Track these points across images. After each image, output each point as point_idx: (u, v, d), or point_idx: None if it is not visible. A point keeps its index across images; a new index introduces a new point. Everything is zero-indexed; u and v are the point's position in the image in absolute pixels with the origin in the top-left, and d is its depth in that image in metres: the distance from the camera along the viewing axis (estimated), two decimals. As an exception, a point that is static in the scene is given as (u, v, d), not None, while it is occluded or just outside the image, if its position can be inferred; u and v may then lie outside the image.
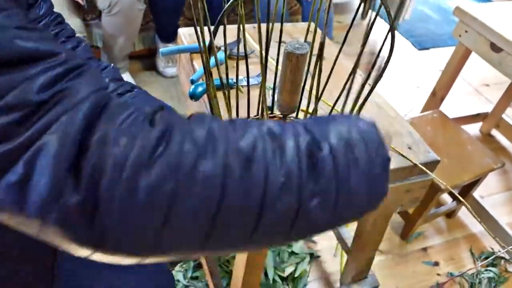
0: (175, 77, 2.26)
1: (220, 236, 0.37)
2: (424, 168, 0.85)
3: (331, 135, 0.42)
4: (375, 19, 0.52)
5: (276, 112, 0.84)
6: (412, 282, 1.51)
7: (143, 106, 0.70)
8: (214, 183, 0.35)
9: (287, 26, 1.22)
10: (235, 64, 1.01)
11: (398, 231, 1.66)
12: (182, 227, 0.35)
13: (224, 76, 0.80)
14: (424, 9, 3.45)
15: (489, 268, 1.55)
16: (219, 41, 0.83)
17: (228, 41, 0.69)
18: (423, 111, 1.89)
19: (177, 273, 1.40)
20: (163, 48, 2.28)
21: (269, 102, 0.86)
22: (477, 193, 1.72)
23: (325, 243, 1.57)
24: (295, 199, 0.38)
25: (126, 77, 2.11)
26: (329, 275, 1.47)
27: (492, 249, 1.65)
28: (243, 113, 0.83)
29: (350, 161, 0.41)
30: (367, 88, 0.59)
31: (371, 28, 0.53)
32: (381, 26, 3.10)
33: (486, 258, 1.60)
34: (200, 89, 0.89)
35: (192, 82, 0.93)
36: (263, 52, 0.60)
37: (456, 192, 1.65)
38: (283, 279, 1.42)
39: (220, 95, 0.65)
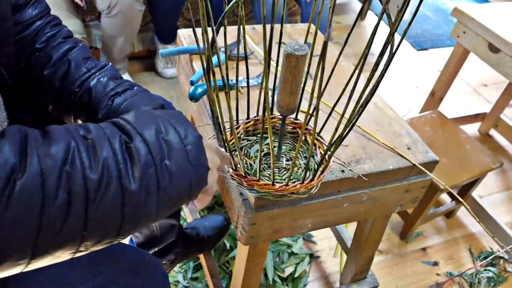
0: (174, 78, 2.26)
1: (49, 236, 0.41)
2: (423, 168, 0.85)
3: (144, 128, 0.49)
4: (377, 25, 0.52)
5: (276, 113, 0.84)
6: (411, 282, 1.51)
7: (143, 104, 0.70)
8: (34, 192, 0.40)
9: (286, 27, 1.22)
10: (234, 65, 1.02)
11: (397, 231, 1.66)
12: (9, 233, 0.39)
13: (224, 77, 0.80)
14: (423, 9, 3.46)
15: (488, 267, 1.55)
16: (218, 42, 0.83)
17: (227, 42, 0.70)
18: (422, 111, 1.89)
19: (177, 274, 1.40)
20: (162, 49, 2.28)
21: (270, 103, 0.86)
22: (476, 193, 1.72)
23: (325, 243, 1.57)
24: (116, 188, 0.44)
25: (125, 77, 2.11)
26: (328, 276, 1.48)
27: (491, 248, 1.66)
28: (243, 114, 0.83)
29: (163, 144, 0.49)
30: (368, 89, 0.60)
31: (374, 34, 0.53)
32: (381, 26, 3.10)
33: (485, 257, 1.61)
34: (199, 90, 0.90)
35: (192, 83, 0.93)
36: (264, 53, 0.60)
37: (455, 192, 1.66)
38: (282, 279, 1.42)
39: (220, 96, 0.65)
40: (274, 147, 0.74)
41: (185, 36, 1.11)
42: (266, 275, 1.40)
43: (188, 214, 1.44)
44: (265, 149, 0.79)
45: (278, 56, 0.73)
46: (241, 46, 0.96)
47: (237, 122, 0.79)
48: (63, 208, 0.41)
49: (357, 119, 0.61)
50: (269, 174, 0.74)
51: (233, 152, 0.74)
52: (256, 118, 0.80)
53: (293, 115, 0.81)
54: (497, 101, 2.11)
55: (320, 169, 0.69)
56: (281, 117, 0.70)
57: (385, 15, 0.53)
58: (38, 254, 0.42)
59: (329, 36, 1.86)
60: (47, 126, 0.46)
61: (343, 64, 1.10)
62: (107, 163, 0.44)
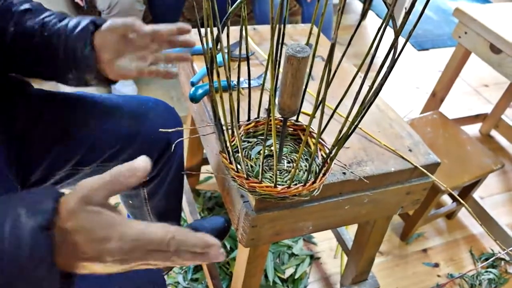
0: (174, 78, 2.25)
1: None
2: (425, 171, 0.85)
3: None
4: (384, 30, 0.52)
5: (276, 114, 0.84)
6: (412, 284, 1.50)
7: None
8: None
9: (287, 27, 1.22)
10: (234, 66, 1.01)
11: (398, 232, 1.66)
12: None
13: (224, 78, 0.80)
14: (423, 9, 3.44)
15: (489, 269, 1.55)
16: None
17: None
18: (423, 112, 1.89)
19: (177, 275, 1.39)
20: (162, 49, 2.26)
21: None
22: (476, 194, 1.72)
23: (325, 244, 1.57)
24: None
25: (126, 78, 2.11)
26: (329, 277, 1.47)
27: (492, 250, 1.65)
28: (243, 116, 0.82)
29: None
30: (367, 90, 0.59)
31: (380, 39, 0.53)
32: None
33: (486, 259, 1.60)
34: (200, 91, 0.89)
35: (192, 84, 0.93)
36: (271, 56, 0.59)
37: (456, 194, 1.66)
38: (283, 280, 1.41)
39: (219, 97, 0.65)
40: (277, 149, 0.74)
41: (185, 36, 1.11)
42: (266, 276, 1.39)
43: (189, 215, 1.43)
44: (266, 151, 0.78)
45: (280, 57, 0.73)
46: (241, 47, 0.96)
47: (238, 124, 0.79)
48: None
49: (359, 121, 0.60)
50: (270, 176, 0.73)
51: (235, 153, 0.74)
52: (257, 119, 0.80)
53: (294, 117, 0.80)
54: (498, 102, 2.10)
55: (322, 171, 0.68)
56: (282, 118, 0.70)
57: (385, 16, 0.52)
58: None
59: (328, 37, 1.84)
60: None
61: (344, 65, 1.10)
62: None
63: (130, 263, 0.43)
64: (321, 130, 0.77)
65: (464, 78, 2.64)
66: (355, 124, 0.59)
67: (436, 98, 1.81)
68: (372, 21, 3.18)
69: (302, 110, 0.85)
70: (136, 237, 0.42)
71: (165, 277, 1.39)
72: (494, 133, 2.22)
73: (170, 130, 0.92)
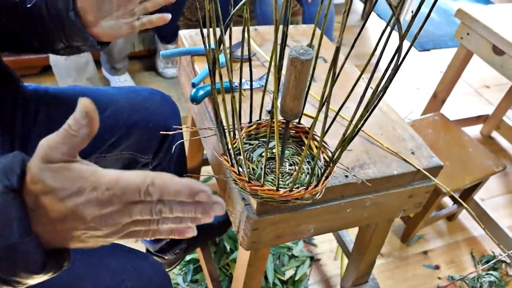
0: (174, 78, 2.25)
1: None
2: (428, 174, 0.84)
3: None
4: (389, 35, 0.51)
5: (279, 117, 0.83)
6: (412, 286, 1.50)
7: None
8: None
9: (289, 28, 1.21)
10: (236, 67, 1.01)
11: (398, 234, 1.65)
12: None
13: (226, 79, 0.79)
14: (425, 10, 3.44)
15: (490, 272, 1.54)
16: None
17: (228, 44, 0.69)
18: (424, 113, 1.88)
19: (177, 276, 1.39)
20: (163, 49, 2.26)
21: (271, 107, 0.85)
22: (477, 196, 1.71)
23: (326, 246, 1.56)
24: None
25: (126, 77, 2.10)
26: (329, 279, 1.47)
27: (493, 252, 1.65)
28: (245, 118, 0.82)
29: None
30: (370, 93, 0.59)
31: (385, 45, 0.52)
32: (382, 26, 3.09)
33: (487, 261, 1.60)
34: (201, 92, 0.88)
35: (193, 85, 0.92)
36: (275, 59, 0.58)
37: (457, 196, 1.65)
38: (283, 282, 1.41)
39: (221, 99, 0.64)
40: (279, 151, 0.73)
41: (186, 37, 1.10)
42: (266, 278, 1.38)
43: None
44: (268, 153, 0.77)
45: (281, 59, 0.72)
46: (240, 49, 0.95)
47: (240, 126, 0.78)
48: None
49: (362, 124, 0.60)
50: (272, 179, 0.73)
51: (237, 156, 0.73)
52: (259, 121, 0.79)
53: (296, 119, 0.80)
54: (499, 103, 2.10)
55: (325, 174, 0.67)
56: (284, 121, 0.69)
57: (388, 18, 0.52)
58: None
59: (329, 37, 1.83)
60: None
61: (346, 67, 1.09)
62: None
63: (112, 222, 0.39)
64: (325, 132, 0.77)
65: (465, 79, 2.63)
66: (359, 127, 0.58)
67: (437, 99, 1.80)
68: (374, 22, 3.17)
69: (304, 112, 0.85)
70: (110, 185, 0.39)
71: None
72: (495, 134, 2.22)
73: (171, 133, 0.91)
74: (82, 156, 0.92)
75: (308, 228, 0.82)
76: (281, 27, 0.58)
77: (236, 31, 1.12)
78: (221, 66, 0.97)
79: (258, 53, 1.08)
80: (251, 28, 1.17)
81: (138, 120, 0.94)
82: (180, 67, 1.15)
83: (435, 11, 3.44)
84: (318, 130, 0.77)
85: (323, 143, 0.76)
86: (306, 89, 0.66)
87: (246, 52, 1.00)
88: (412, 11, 0.46)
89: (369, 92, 0.94)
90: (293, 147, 0.80)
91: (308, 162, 0.77)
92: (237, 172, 0.68)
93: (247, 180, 0.67)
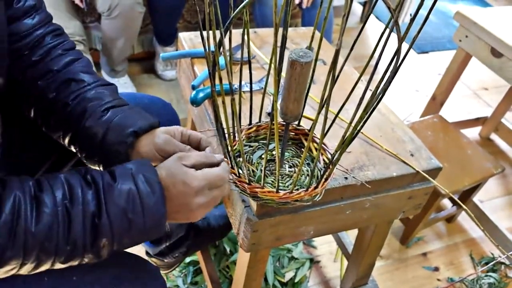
0: (174, 80, 2.25)
1: None
2: (426, 176, 0.85)
3: (110, 203, 0.56)
4: (387, 37, 0.52)
5: (278, 119, 0.83)
6: (411, 287, 1.50)
7: (139, 119, 0.70)
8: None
9: (288, 30, 1.21)
10: (235, 70, 1.01)
11: (398, 235, 1.65)
12: None
13: (226, 82, 0.79)
14: (423, 12, 3.45)
15: (489, 273, 1.54)
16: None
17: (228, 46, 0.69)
18: (423, 115, 1.89)
19: (177, 278, 1.39)
20: (161, 51, 2.27)
21: (270, 109, 0.85)
22: (476, 198, 1.72)
23: (325, 248, 1.56)
24: (80, 259, 0.57)
25: (125, 80, 2.10)
26: (329, 280, 1.47)
27: (492, 254, 1.65)
28: (245, 120, 0.82)
29: (125, 224, 0.57)
30: (369, 95, 0.59)
31: (383, 48, 0.52)
32: (380, 26, 3.09)
33: (486, 263, 1.60)
34: (201, 94, 0.89)
35: (193, 87, 0.92)
36: (275, 62, 0.59)
37: (456, 197, 1.65)
38: (283, 284, 1.41)
39: (221, 101, 0.64)
40: (279, 154, 0.73)
41: (186, 39, 1.10)
42: (266, 279, 1.39)
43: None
44: (267, 155, 0.78)
45: (278, 61, 0.72)
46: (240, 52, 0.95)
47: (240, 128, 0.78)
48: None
49: (362, 127, 0.60)
50: (272, 181, 0.73)
51: (237, 158, 0.73)
52: (259, 124, 0.80)
53: (296, 122, 0.80)
54: (498, 105, 2.10)
55: (325, 176, 0.68)
56: (284, 123, 0.69)
57: (386, 20, 0.52)
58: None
59: (328, 39, 1.83)
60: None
61: (345, 68, 1.09)
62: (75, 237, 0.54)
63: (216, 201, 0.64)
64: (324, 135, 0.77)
65: (464, 81, 2.64)
66: (358, 129, 0.59)
67: (436, 101, 1.81)
68: (372, 24, 3.18)
69: (304, 114, 0.85)
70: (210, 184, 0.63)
71: (165, 279, 1.39)
72: (494, 136, 2.22)
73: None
74: (83, 164, 0.92)
75: (308, 230, 0.82)
76: (280, 29, 0.58)
77: (236, 33, 1.12)
78: (221, 68, 0.98)
79: (257, 56, 1.08)
80: (250, 30, 1.17)
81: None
82: (180, 69, 1.15)
83: (433, 14, 3.45)
84: (318, 132, 0.78)
85: (322, 145, 0.77)
86: (306, 91, 0.67)
87: (246, 55, 1.00)
88: (410, 14, 0.47)
89: (368, 94, 0.95)
90: (293, 149, 0.81)
91: (308, 164, 0.78)
92: (237, 174, 0.69)
93: (247, 182, 0.67)
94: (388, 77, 0.55)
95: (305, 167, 0.77)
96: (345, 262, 1.49)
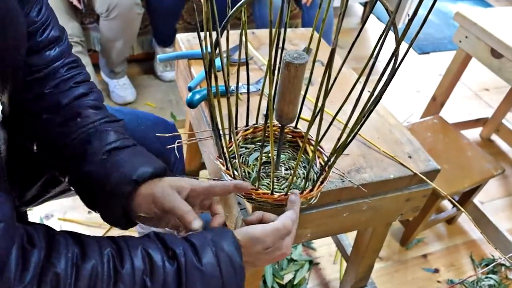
0: (173, 81, 2.24)
1: None
2: (424, 178, 0.84)
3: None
4: (384, 38, 0.51)
5: (274, 121, 0.83)
6: (412, 289, 1.49)
7: (142, 165, 0.64)
8: None
9: (287, 31, 1.21)
10: (233, 71, 1.01)
11: (397, 237, 1.64)
12: None
13: (223, 83, 0.78)
14: (424, 13, 3.44)
15: (489, 275, 1.53)
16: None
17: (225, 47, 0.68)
18: (423, 116, 1.88)
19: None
20: (161, 52, 2.26)
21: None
22: (477, 199, 1.71)
23: (324, 250, 1.56)
24: None
25: (124, 81, 2.10)
26: (328, 282, 1.46)
27: (493, 256, 1.64)
28: (241, 121, 0.81)
29: None
30: (367, 95, 0.58)
31: (380, 48, 0.52)
32: (380, 27, 3.09)
33: (487, 265, 1.59)
34: (197, 96, 0.88)
35: (190, 89, 0.92)
36: (269, 62, 0.58)
37: (456, 198, 1.64)
38: (282, 286, 1.40)
39: (217, 102, 0.64)
40: (274, 156, 0.73)
41: (183, 40, 1.10)
42: (265, 281, 1.38)
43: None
44: (263, 157, 0.77)
45: (280, 62, 0.72)
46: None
47: (236, 129, 0.78)
48: None
49: (359, 129, 0.59)
50: (268, 183, 0.72)
51: (232, 159, 0.73)
52: (255, 125, 0.79)
53: (293, 124, 0.79)
54: (498, 106, 2.09)
55: (320, 179, 0.67)
56: (279, 125, 0.69)
57: (386, 20, 0.52)
58: None
59: (327, 41, 1.83)
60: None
61: (343, 70, 1.09)
62: None
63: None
64: (320, 137, 0.76)
65: (465, 82, 2.63)
66: (354, 132, 0.58)
67: (437, 102, 1.80)
68: (373, 24, 3.17)
69: (301, 116, 0.84)
70: (273, 243, 0.62)
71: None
72: (494, 137, 2.21)
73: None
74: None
75: (305, 232, 0.82)
76: (276, 30, 0.58)
77: (234, 34, 1.12)
78: (218, 70, 0.97)
79: (255, 57, 1.08)
80: (248, 31, 1.17)
81: None
82: (178, 70, 1.15)
83: (434, 14, 3.44)
84: (314, 134, 0.77)
85: (319, 148, 0.76)
86: (302, 93, 0.66)
87: (243, 56, 0.99)
88: (408, 15, 0.46)
89: (366, 96, 0.94)
90: (289, 152, 0.80)
91: (305, 167, 0.77)
92: (232, 175, 0.68)
93: (242, 184, 0.66)
94: (386, 79, 0.54)
95: (301, 169, 0.76)
96: (344, 264, 1.48)
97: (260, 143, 0.79)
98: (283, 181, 0.74)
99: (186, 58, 1.03)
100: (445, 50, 2.98)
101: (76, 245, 0.51)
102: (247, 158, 0.77)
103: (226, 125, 0.76)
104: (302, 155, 0.78)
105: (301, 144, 0.80)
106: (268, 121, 0.57)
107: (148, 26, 2.18)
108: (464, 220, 1.76)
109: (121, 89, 2.06)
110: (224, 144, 0.68)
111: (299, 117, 0.77)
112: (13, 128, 0.68)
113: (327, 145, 0.82)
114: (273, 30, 0.55)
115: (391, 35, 0.60)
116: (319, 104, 0.55)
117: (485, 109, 2.45)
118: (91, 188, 0.65)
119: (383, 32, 0.54)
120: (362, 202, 0.81)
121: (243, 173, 0.73)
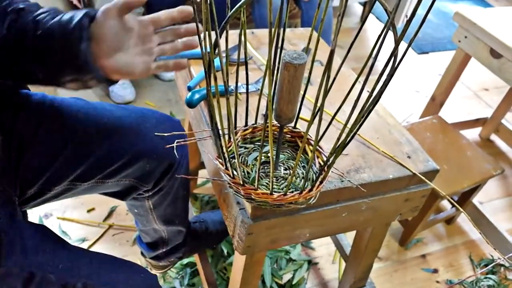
0: (172, 81, 2.24)
1: None
2: (423, 178, 0.84)
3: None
4: (384, 38, 0.51)
5: (274, 121, 0.83)
6: (411, 289, 1.49)
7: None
8: None
9: (286, 31, 1.21)
10: (232, 71, 1.00)
11: (397, 237, 1.64)
12: None
13: (222, 83, 0.78)
14: (423, 12, 3.44)
15: (488, 275, 1.53)
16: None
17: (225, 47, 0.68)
18: (422, 116, 1.88)
19: (174, 280, 1.38)
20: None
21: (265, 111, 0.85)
22: (476, 199, 1.71)
23: (323, 249, 1.56)
24: None
25: (124, 80, 2.10)
26: (327, 282, 1.46)
27: (492, 256, 1.64)
28: (241, 121, 0.81)
29: None
30: (366, 95, 0.58)
31: (379, 48, 0.52)
32: (379, 26, 3.09)
33: (486, 265, 1.59)
34: (197, 96, 0.88)
35: (189, 89, 0.92)
36: (268, 61, 0.58)
37: (456, 198, 1.64)
38: (280, 286, 1.40)
39: (216, 102, 0.64)
40: (273, 156, 0.73)
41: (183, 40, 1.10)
42: (263, 281, 1.38)
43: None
44: (263, 157, 0.77)
45: (279, 62, 0.71)
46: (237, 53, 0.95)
47: (235, 129, 0.77)
48: None
49: (358, 129, 0.59)
50: (267, 183, 0.72)
51: (231, 159, 0.73)
52: (254, 125, 0.79)
53: (292, 124, 0.79)
54: (498, 106, 2.09)
55: (319, 179, 0.67)
56: (278, 125, 0.69)
57: (385, 24, 0.51)
58: None
59: (326, 41, 1.83)
60: None
61: (343, 70, 1.09)
62: None
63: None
64: (319, 137, 0.76)
65: (464, 82, 2.63)
66: (353, 132, 0.58)
67: (436, 102, 1.80)
68: (372, 24, 3.17)
69: (301, 116, 0.84)
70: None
71: (162, 282, 1.38)
72: (494, 137, 2.21)
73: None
74: (82, 180, 0.91)
75: (304, 232, 0.82)
76: (275, 30, 0.58)
77: (233, 34, 1.12)
78: (217, 69, 0.97)
79: (254, 57, 1.08)
80: (248, 31, 1.16)
81: (143, 149, 0.89)
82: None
83: (434, 14, 3.44)
84: (314, 134, 0.77)
85: (318, 148, 0.76)
86: (301, 94, 0.66)
87: (242, 56, 0.99)
88: (406, 16, 0.46)
89: (365, 95, 0.94)
90: (288, 152, 0.80)
91: (304, 166, 0.77)
92: (231, 175, 0.68)
93: (241, 183, 0.66)
94: (385, 79, 0.54)
95: (300, 169, 0.76)
96: (343, 264, 1.48)
97: (259, 143, 0.79)
98: (282, 181, 0.74)
99: (185, 58, 1.03)
100: (445, 50, 2.98)
101: None
102: (246, 158, 0.77)
103: (225, 125, 0.76)
104: (301, 155, 0.78)
105: (300, 144, 0.80)
106: (268, 121, 0.57)
107: (147, 25, 2.18)
108: (463, 220, 1.76)
109: (121, 89, 2.06)
110: (223, 144, 0.67)
111: (298, 117, 0.77)
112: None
113: (326, 145, 0.82)
114: (273, 30, 0.55)
115: (390, 35, 0.60)
116: (319, 104, 0.55)
117: (485, 109, 2.45)
118: (52, 48, 0.65)
119: (382, 32, 0.54)
120: (361, 202, 0.81)
121: (243, 173, 0.73)
